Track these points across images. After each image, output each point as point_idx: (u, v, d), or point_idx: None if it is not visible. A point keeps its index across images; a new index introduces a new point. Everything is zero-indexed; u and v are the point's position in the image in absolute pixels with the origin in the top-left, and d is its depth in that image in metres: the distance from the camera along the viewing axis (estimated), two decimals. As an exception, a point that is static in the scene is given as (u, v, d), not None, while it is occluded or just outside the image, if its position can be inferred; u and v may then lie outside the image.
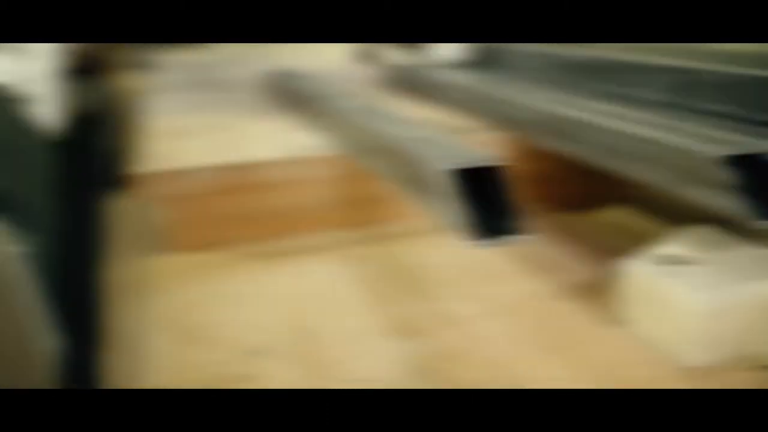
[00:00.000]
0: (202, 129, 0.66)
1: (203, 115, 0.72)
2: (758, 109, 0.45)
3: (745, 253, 0.39)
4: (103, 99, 1.02)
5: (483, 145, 0.58)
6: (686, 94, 0.50)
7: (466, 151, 0.35)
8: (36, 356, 0.37)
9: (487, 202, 0.35)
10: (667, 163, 0.40)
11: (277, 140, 0.60)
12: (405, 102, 0.77)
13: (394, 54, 1.20)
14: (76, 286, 1.03)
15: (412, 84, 0.81)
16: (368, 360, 0.38)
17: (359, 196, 0.57)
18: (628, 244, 0.51)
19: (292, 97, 0.70)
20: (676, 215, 0.56)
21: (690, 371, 0.35)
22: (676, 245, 0.41)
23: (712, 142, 0.38)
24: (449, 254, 0.51)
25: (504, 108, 0.58)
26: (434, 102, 0.74)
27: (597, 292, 0.44)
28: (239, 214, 0.55)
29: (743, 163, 0.36)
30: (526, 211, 0.60)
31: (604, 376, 0.36)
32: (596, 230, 0.55)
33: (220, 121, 0.69)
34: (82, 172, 1.00)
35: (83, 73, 0.89)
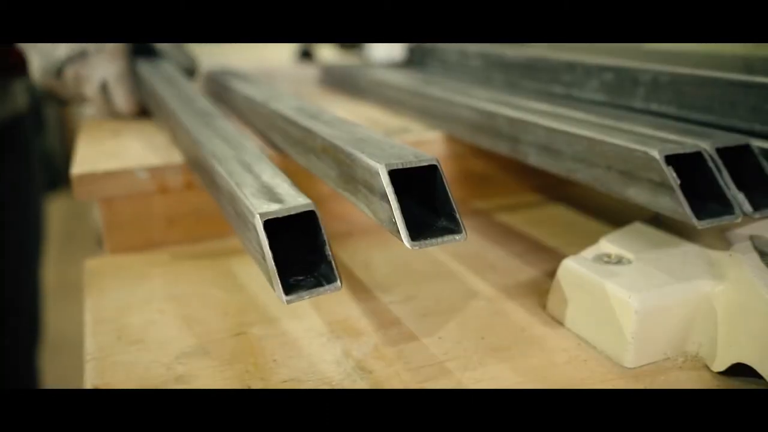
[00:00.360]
0: (142, 128, 0.64)
1: (143, 115, 0.72)
2: (696, 108, 0.45)
3: (682, 252, 0.39)
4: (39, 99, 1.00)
5: (421, 145, 0.58)
6: (624, 94, 0.51)
7: (403, 151, 0.35)
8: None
9: (425, 202, 0.34)
10: (605, 163, 0.40)
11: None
12: (345, 102, 0.77)
13: (332, 53, 1.20)
14: (13, 286, 1.00)
15: (351, 83, 0.80)
16: (306, 360, 0.37)
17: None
18: (567, 242, 0.52)
19: (229, 96, 0.69)
20: (616, 214, 0.56)
21: (628, 371, 0.36)
22: (613, 244, 0.41)
23: (650, 141, 0.38)
24: (389, 254, 0.51)
25: (442, 107, 0.58)
26: (373, 101, 0.73)
27: (536, 292, 0.44)
28: (178, 215, 0.54)
29: (681, 162, 0.36)
30: (465, 211, 0.60)
31: (544, 375, 0.36)
32: (536, 229, 0.55)
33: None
34: (19, 172, 0.98)
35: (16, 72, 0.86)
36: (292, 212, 0.31)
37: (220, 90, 0.72)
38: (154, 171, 0.52)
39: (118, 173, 0.51)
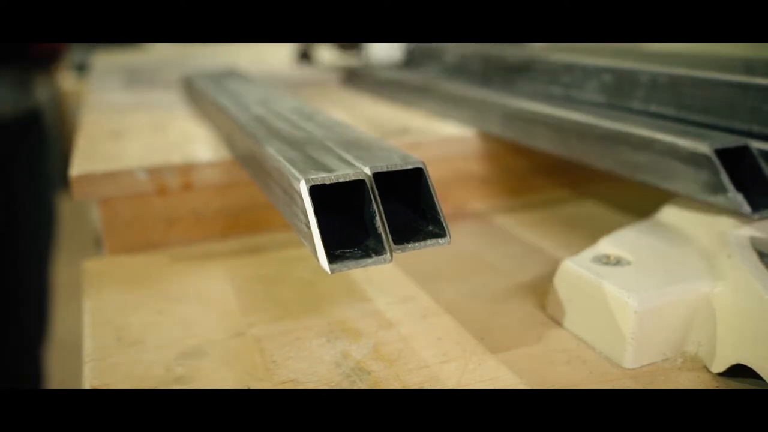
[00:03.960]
0: (141, 129, 0.64)
1: (142, 116, 0.71)
2: (695, 110, 0.45)
3: (681, 252, 0.39)
4: (39, 99, 1.00)
5: (418, 146, 0.58)
6: (622, 95, 0.51)
7: (390, 154, 0.34)
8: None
9: (413, 205, 0.34)
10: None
11: (214, 140, 0.59)
12: (350, 101, 0.77)
13: (331, 54, 1.20)
14: (22, 282, 1.00)
15: (355, 83, 0.80)
16: (306, 361, 0.37)
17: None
18: (567, 243, 0.52)
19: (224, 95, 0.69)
20: (615, 214, 0.56)
21: (627, 372, 0.36)
22: (612, 245, 0.41)
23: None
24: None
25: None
26: (377, 100, 0.73)
27: (536, 292, 0.44)
28: (177, 216, 0.54)
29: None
30: (464, 212, 0.60)
31: (543, 376, 0.36)
32: (535, 229, 0.55)
33: (159, 122, 0.68)
34: (35, 167, 0.97)
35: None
36: (341, 179, 0.30)
37: (200, 93, 0.72)
38: (153, 172, 0.52)
39: (117, 174, 0.51)
